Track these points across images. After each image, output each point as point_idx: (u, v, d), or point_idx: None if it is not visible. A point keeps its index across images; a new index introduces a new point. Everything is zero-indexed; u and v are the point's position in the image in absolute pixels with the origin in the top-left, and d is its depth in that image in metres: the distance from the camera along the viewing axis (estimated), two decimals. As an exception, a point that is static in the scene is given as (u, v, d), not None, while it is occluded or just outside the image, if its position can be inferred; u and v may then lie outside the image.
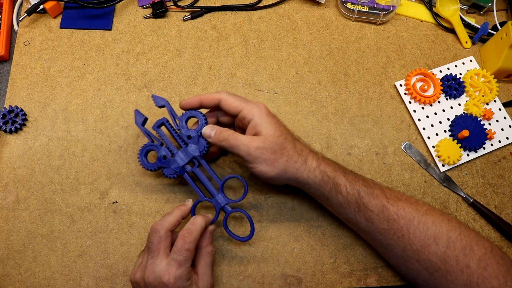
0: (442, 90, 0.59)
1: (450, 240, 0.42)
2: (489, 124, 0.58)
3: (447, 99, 0.59)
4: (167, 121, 0.49)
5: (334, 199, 0.45)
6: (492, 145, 0.57)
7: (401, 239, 0.43)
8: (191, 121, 0.49)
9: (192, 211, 0.47)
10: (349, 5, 0.62)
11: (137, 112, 0.49)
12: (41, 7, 0.59)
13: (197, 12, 0.62)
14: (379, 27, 0.64)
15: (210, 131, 0.46)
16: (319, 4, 0.64)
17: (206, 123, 0.48)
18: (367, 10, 0.62)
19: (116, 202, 0.52)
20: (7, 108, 0.55)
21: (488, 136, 0.56)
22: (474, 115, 0.57)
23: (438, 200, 0.54)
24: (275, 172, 0.43)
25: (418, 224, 0.43)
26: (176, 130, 0.48)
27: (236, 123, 0.49)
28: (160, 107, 0.49)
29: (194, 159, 0.48)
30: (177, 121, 0.48)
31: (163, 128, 0.50)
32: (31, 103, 0.57)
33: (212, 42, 0.61)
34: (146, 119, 0.49)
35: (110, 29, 0.61)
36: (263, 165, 0.43)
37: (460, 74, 0.60)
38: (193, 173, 0.48)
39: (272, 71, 0.60)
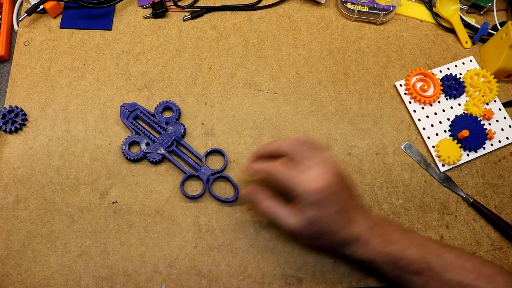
0: (442, 90, 0.59)
1: None
2: (489, 124, 0.58)
3: (447, 99, 0.59)
4: (141, 112, 0.55)
5: (371, 273, 0.45)
6: (492, 145, 0.57)
7: None
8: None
9: (182, 188, 0.52)
10: (349, 5, 0.62)
11: (122, 107, 0.55)
12: (41, 7, 0.59)
13: (197, 12, 0.62)
14: (379, 27, 0.64)
15: (249, 196, 0.46)
16: (319, 4, 0.64)
17: (179, 112, 0.55)
18: (367, 10, 0.62)
19: (116, 202, 0.52)
20: (7, 108, 0.55)
21: (488, 136, 0.56)
22: (474, 115, 0.57)
23: (438, 200, 0.54)
24: (302, 244, 0.46)
25: None
26: (152, 118, 0.55)
27: None
28: (135, 117, 0.55)
29: (175, 141, 0.54)
30: (154, 116, 0.55)
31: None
32: (31, 103, 0.57)
33: (212, 42, 0.61)
34: (130, 113, 0.55)
35: (110, 29, 0.61)
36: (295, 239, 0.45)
37: (460, 74, 0.60)
38: (175, 154, 0.54)
39: (272, 71, 0.60)
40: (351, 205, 0.43)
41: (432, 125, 0.57)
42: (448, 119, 0.58)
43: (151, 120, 0.55)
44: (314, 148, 0.43)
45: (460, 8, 0.63)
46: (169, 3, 0.63)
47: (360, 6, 0.62)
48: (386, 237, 0.43)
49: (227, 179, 0.53)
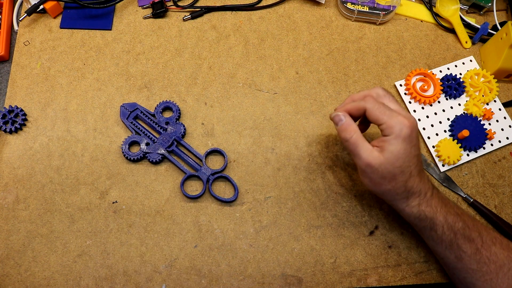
0: (442, 90, 0.59)
1: None
2: (489, 124, 0.58)
3: (447, 99, 0.59)
4: (141, 112, 0.55)
5: (427, 234, 0.46)
6: (492, 145, 0.57)
7: (488, 282, 0.43)
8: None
9: (182, 187, 0.52)
10: (349, 5, 0.62)
11: (122, 107, 0.56)
12: (41, 7, 0.59)
13: (197, 12, 0.62)
14: (379, 27, 0.64)
15: (340, 118, 0.45)
16: (319, 4, 0.64)
17: (179, 112, 0.56)
18: (367, 10, 0.62)
19: (116, 202, 0.52)
20: (7, 108, 0.55)
21: (488, 136, 0.56)
22: (474, 115, 0.57)
23: (438, 200, 0.54)
24: (373, 190, 0.45)
25: (508, 271, 0.42)
26: (152, 118, 0.55)
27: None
28: (135, 117, 0.55)
29: (175, 141, 0.54)
30: (154, 116, 0.55)
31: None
32: (31, 103, 0.57)
33: (212, 42, 0.61)
34: (130, 113, 0.56)
35: (110, 29, 0.61)
36: (367, 180, 0.44)
37: (460, 74, 0.60)
38: (175, 154, 0.54)
39: (272, 71, 0.60)
40: (421, 159, 0.45)
41: (432, 125, 0.57)
42: (448, 119, 0.58)
43: (151, 120, 0.55)
44: (395, 99, 0.46)
45: (460, 8, 0.63)
46: (169, 3, 0.63)
47: (360, 6, 0.62)
48: (443, 200, 0.45)
49: (227, 179, 0.53)
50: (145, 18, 0.62)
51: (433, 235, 0.45)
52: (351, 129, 0.44)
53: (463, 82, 0.59)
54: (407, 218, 0.46)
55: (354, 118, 0.46)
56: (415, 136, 0.42)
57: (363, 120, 0.50)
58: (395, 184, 0.43)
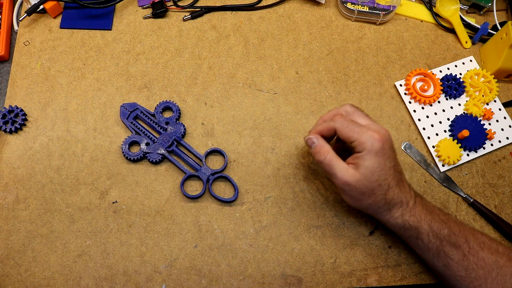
0: (442, 90, 0.59)
1: None
2: (489, 124, 0.58)
3: (447, 99, 0.59)
4: (141, 112, 0.55)
5: (413, 243, 0.46)
6: (492, 145, 0.57)
7: None
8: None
9: (182, 187, 0.52)
10: (349, 5, 0.62)
11: (122, 107, 0.56)
12: (41, 7, 0.59)
13: (197, 12, 0.62)
14: (379, 27, 0.64)
15: (312, 141, 0.45)
16: (319, 4, 0.64)
17: (179, 112, 0.56)
18: (367, 10, 0.62)
19: (116, 202, 0.52)
20: (7, 108, 0.55)
21: (488, 136, 0.56)
22: (474, 115, 0.57)
23: (438, 200, 0.54)
24: (355, 206, 0.45)
25: (497, 276, 0.42)
26: (152, 118, 0.55)
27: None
28: (135, 117, 0.55)
29: (175, 141, 0.54)
30: (154, 116, 0.55)
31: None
32: (31, 103, 0.57)
33: (212, 42, 0.61)
34: (130, 113, 0.56)
35: (110, 29, 0.61)
36: (347, 197, 0.45)
37: (460, 74, 0.60)
38: (175, 154, 0.54)
39: (272, 71, 0.60)
40: (400, 168, 0.45)
41: (432, 125, 0.57)
42: (448, 119, 0.58)
43: (151, 120, 0.55)
44: (365, 113, 0.46)
45: (460, 8, 0.63)
46: (169, 3, 0.63)
47: (360, 6, 0.62)
48: (427, 207, 0.45)
49: (227, 179, 0.53)
50: (145, 18, 0.62)
51: (420, 243, 0.45)
52: (324, 151, 0.44)
53: (463, 82, 0.59)
54: (393, 229, 0.46)
55: (328, 138, 0.46)
56: (388, 148, 0.42)
57: (338, 138, 0.49)
58: (375, 198, 0.43)
